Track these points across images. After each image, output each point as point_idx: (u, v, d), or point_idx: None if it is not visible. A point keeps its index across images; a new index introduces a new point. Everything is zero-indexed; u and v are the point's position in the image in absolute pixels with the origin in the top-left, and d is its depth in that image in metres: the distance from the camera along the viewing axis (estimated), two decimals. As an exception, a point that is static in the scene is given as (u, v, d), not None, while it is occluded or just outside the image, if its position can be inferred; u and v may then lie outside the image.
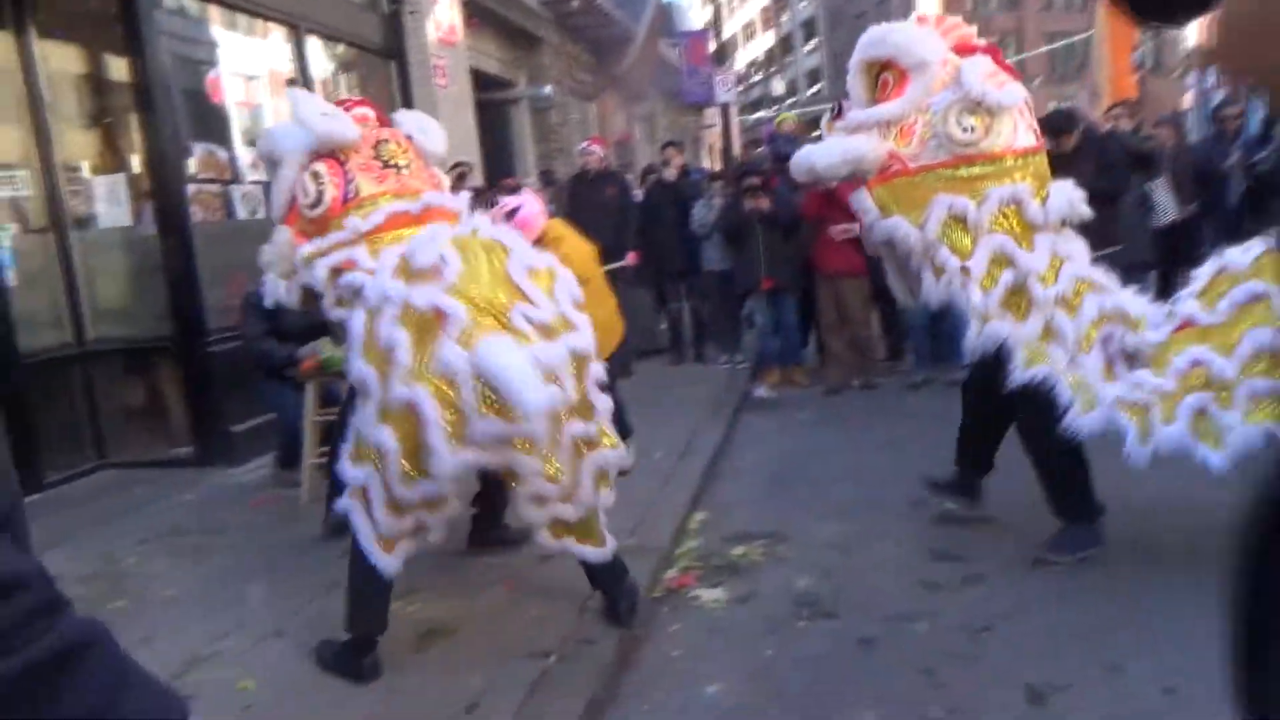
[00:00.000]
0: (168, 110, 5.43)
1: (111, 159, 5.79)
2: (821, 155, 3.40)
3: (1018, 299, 3.34)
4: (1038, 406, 3.37)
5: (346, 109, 3.27)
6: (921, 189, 3.35)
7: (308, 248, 3.11)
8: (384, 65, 8.26)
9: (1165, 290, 7.53)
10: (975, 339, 3.36)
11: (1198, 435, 3.13)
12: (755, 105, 60.27)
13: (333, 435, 4.04)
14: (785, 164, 8.29)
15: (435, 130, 3.51)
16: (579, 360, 2.74)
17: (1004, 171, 3.35)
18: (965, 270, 3.31)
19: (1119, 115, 7.59)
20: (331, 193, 3.11)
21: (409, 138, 3.35)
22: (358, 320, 2.82)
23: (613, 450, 2.98)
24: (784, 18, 62.70)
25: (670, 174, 8.13)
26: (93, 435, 5.64)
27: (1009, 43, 42.40)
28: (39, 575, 0.90)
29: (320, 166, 3.12)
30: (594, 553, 3.07)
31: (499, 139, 11.24)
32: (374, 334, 2.71)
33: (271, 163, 3.31)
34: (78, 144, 5.78)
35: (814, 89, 58.01)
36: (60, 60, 5.71)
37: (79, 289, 5.61)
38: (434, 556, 3.94)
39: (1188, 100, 14.02)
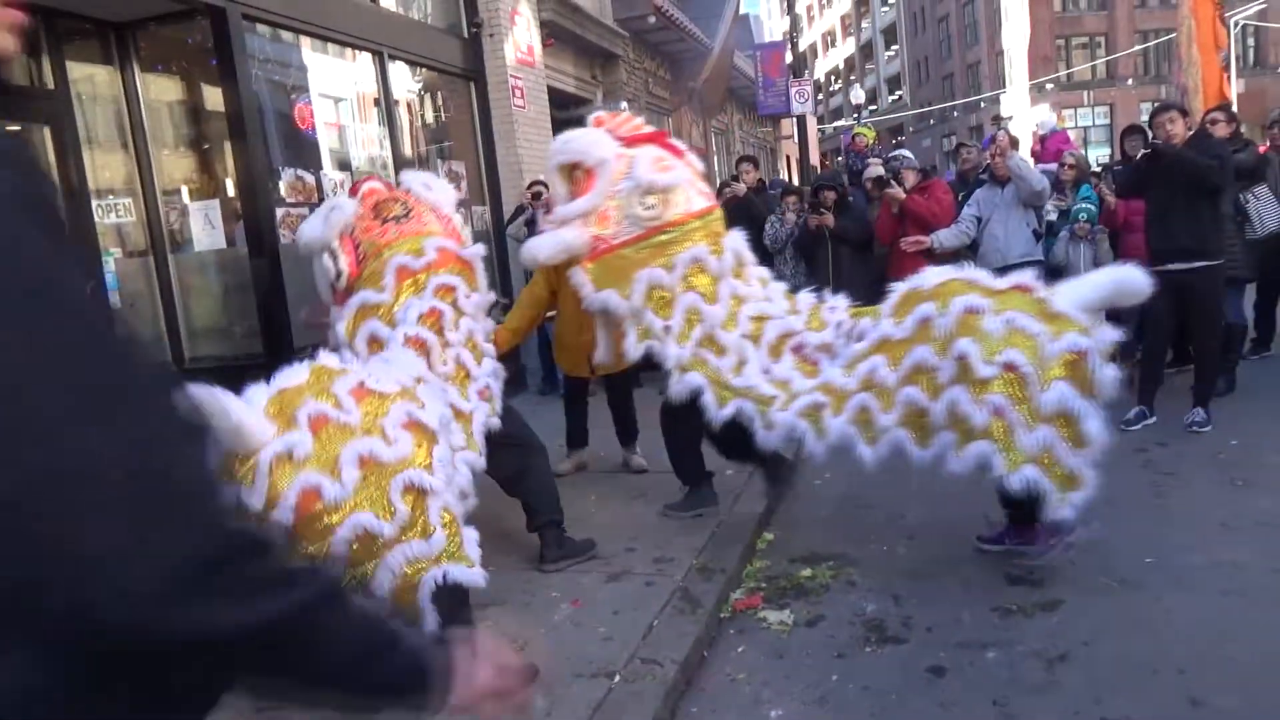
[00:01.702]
0: (258, 137, 5.67)
1: (207, 184, 6.08)
2: (541, 248, 4.15)
3: (712, 343, 4.04)
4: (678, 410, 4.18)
5: (355, 188, 3.99)
6: (627, 262, 4.05)
7: (340, 328, 3.72)
8: (464, 87, 8.47)
9: (1264, 307, 7.19)
10: (675, 387, 4.02)
11: (860, 430, 3.66)
12: (836, 114, 59.69)
13: None
14: (859, 179, 8.27)
15: (438, 183, 4.15)
16: (377, 468, 2.83)
17: (686, 235, 4.08)
18: (666, 329, 4.02)
19: (1215, 120, 7.28)
20: (345, 262, 3.73)
21: (409, 192, 3.99)
22: None
23: (419, 542, 2.88)
24: (864, 24, 61.98)
25: (741, 188, 8.12)
26: (188, 449, 5.91)
27: (1099, 43, 41.07)
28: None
29: (334, 245, 3.75)
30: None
31: (576, 156, 11.39)
32: None
33: (309, 256, 3.96)
34: (176, 170, 6.09)
35: (894, 96, 57.16)
36: (159, 91, 6.03)
37: (176, 309, 5.90)
38: (504, 573, 4.04)
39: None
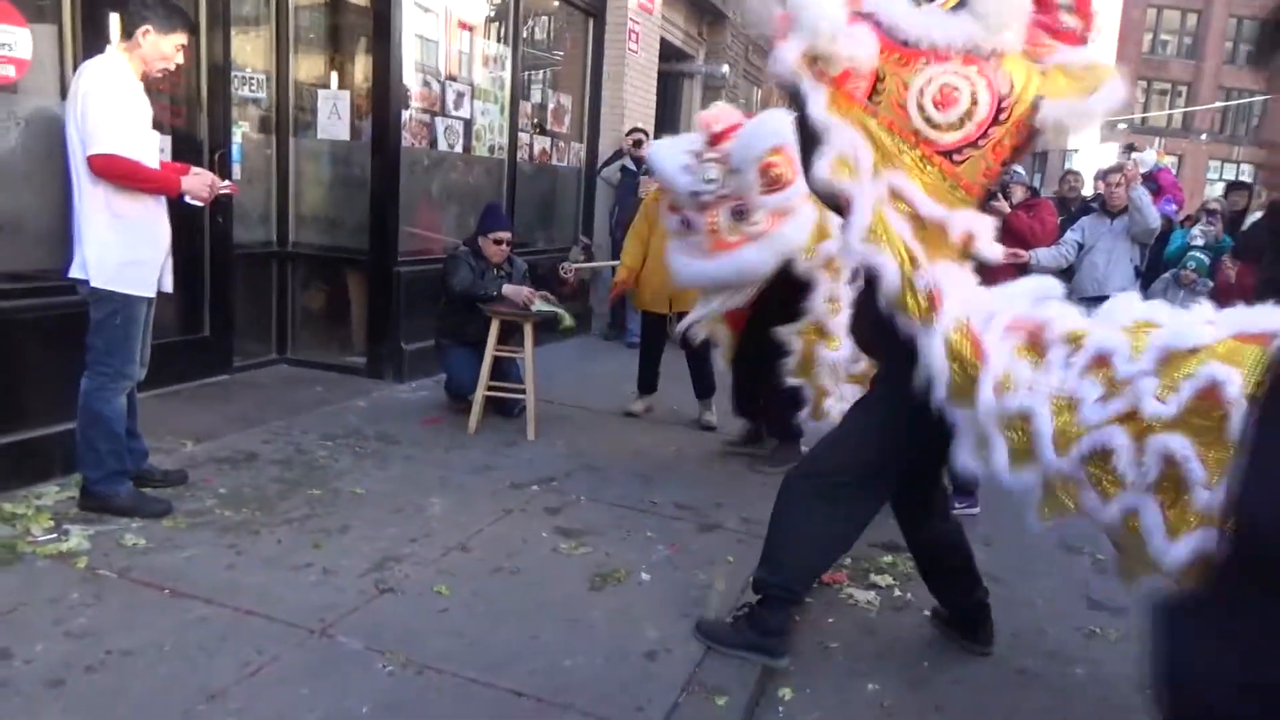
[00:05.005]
0: (399, 38, 5.70)
1: (339, 77, 6.12)
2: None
3: None
4: None
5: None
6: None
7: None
8: (584, 22, 8.43)
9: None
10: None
11: None
12: (900, 114, 58.94)
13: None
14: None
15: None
16: None
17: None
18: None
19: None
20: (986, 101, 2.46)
21: None
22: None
23: None
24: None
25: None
26: (277, 330, 6.01)
27: (1179, 92, 40.36)
28: None
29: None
30: None
31: (668, 110, 11.34)
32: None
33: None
34: (312, 59, 6.12)
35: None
36: (310, -21, 6.05)
37: (289, 193, 5.96)
38: (599, 508, 4.13)
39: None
